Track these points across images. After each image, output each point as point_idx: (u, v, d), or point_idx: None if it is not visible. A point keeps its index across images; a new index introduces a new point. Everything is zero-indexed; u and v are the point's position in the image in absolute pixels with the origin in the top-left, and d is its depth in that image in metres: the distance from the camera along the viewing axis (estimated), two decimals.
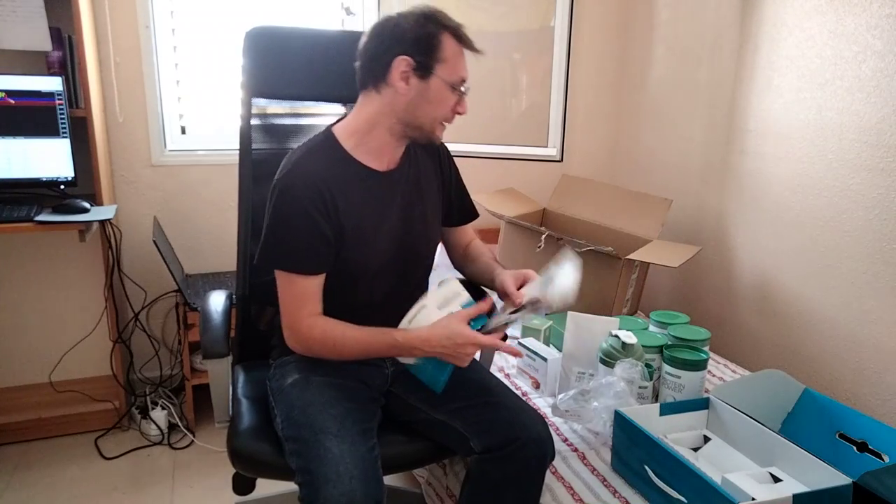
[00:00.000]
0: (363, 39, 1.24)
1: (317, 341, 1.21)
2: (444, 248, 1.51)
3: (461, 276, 1.45)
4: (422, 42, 1.18)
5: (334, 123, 1.30)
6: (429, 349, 1.17)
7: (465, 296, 1.24)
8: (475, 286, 1.43)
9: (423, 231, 1.34)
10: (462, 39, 1.22)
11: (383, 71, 1.20)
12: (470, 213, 1.48)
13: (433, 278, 1.41)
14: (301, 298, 1.21)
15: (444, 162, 1.42)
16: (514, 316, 1.23)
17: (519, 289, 1.26)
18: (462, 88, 1.23)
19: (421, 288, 1.40)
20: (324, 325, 1.21)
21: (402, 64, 1.18)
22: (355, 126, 1.26)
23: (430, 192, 1.37)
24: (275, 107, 1.47)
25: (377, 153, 1.27)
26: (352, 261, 1.24)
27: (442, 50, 1.19)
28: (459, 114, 1.26)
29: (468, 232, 1.50)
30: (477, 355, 1.45)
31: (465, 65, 1.23)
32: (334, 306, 1.24)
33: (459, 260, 1.49)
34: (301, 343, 1.23)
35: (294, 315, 1.21)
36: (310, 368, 1.26)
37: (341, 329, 1.21)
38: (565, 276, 1.26)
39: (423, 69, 1.19)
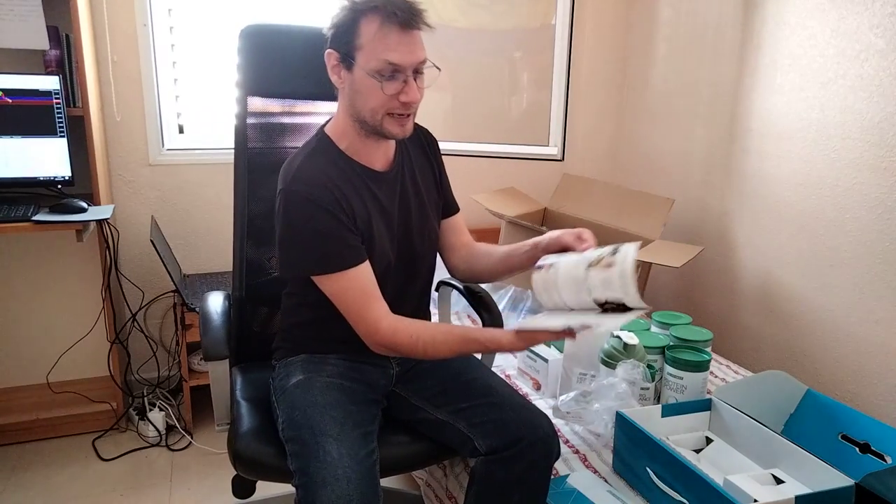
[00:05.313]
0: None
1: (404, 345, 1.15)
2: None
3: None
4: (340, 31, 1.12)
5: (325, 124, 1.25)
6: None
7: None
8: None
9: (423, 229, 1.30)
10: (385, 17, 1.07)
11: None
12: (454, 205, 1.41)
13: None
14: (364, 295, 1.15)
15: (432, 153, 1.36)
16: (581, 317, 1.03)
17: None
18: (392, 74, 1.10)
19: (426, 289, 1.37)
20: (406, 328, 1.16)
21: (330, 58, 1.15)
22: (339, 125, 1.22)
23: (427, 189, 1.32)
24: (270, 105, 1.45)
25: (366, 152, 1.22)
26: None
27: (359, 36, 1.10)
28: (406, 103, 1.12)
29: (464, 228, 1.41)
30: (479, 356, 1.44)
31: (393, 46, 1.08)
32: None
33: (463, 260, 1.39)
34: (387, 347, 1.16)
35: (365, 317, 1.15)
36: (314, 369, 1.25)
37: (430, 332, 1.16)
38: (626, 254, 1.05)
39: (346, 60, 1.12)
